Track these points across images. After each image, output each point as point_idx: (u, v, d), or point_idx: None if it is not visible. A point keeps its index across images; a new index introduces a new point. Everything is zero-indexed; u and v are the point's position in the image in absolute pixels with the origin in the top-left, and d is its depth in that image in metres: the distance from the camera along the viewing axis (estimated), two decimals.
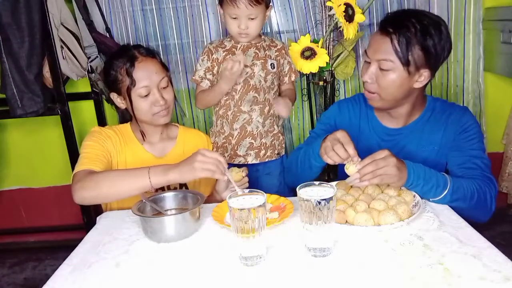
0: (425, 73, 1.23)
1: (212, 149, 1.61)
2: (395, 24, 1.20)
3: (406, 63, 1.19)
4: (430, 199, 1.15)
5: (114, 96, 1.39)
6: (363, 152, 1.12)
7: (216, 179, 1.29)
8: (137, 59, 1.32)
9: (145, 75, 1.32)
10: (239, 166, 1.72)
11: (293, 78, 1.79)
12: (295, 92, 1.83)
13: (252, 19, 1.58)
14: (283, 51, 1.75)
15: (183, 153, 1.45)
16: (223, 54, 1.69)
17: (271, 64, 1.69)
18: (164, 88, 1.36)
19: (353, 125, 1.43)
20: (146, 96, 1.33)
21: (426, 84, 1.27)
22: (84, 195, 1.17)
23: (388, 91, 1.24)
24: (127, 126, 1.45)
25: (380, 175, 1.06)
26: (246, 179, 1.31)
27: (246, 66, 1.65)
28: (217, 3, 1.65)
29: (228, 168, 1.31)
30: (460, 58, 2.31)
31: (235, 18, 1.58)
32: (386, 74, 1.22)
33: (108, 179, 1.17)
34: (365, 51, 1.29)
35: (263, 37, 1.73)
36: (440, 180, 1.13)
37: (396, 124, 1.36)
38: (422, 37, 1.18)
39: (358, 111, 1.44)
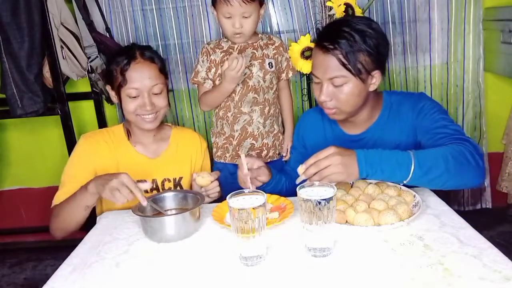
0: (376, 75, 1.23)
1: (207, 147, 1.58)
2: (332, 39, 1.19)
3: (358, 73, 1.19)
4: (405, 182, 1.08)
5: (109, 88, 1.40)
6: None
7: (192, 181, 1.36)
8: (134, 60, 1.32)
9: (138, 77, 1.31)
10: None
11: (290, 75, 1.78)
12: (290, 92, 1.83)
13: (246, 17, 1.56)
14: (281, 48, 1.73)
15: (177, 154, 1.45)
16: (220, 55, 1.68)
17: (269, 63, 1.68)
18: (156, 94, 1.34)
19: (318, 136, 1.44)
20: (134, 97, 1.32)
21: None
22: (57, 233, 1.27)
23: (347, 103, 1.24)
24: (120, 127, 1.45)
25: (326, 176, 1.03)
26: (216, 183, 1.32)
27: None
28: (210, 4, 1.64)
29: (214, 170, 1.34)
30: (460, 58, 2.31)
31: (229, 17, 1.56)
32: (341, 89, 1.22)
33: (59, 215, 1.24)
34: (311, 72, 1.27)
35: (260, 35, 1.71)
36: (401, 158, 1.05)
37: (359, 129, 1.35)
38: (363, 41, 1.18)
39: (321, 121, 1.44)
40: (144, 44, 2.26)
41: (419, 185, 1.13)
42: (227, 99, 1.68)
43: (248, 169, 1.25)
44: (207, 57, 1.69)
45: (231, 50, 1.67)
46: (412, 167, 1.05)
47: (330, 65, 1.20)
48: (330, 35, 1.21)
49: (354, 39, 1.18)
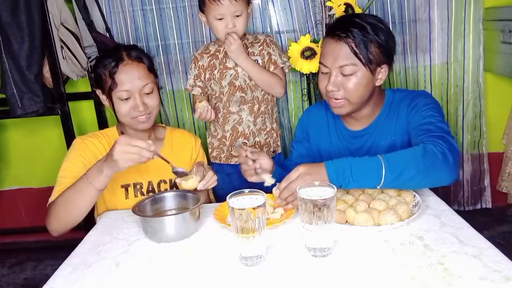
0: (383, 69, 1.26)
1: (201, 147, 1.56)
2: (346, 29, 1.21)
3: (368, 62, 1.21)
4: (378, 187, 1.08)
5: (99, 92, 1.38)
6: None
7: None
8: (122, 62, 1.30)
9: (127, 79, 1.30)
10: (236, 166, 1.72)
11: (271, 69, 1.67)
12: (281, 79, 1.69)
13: (238, 16, 1.56)
14: (265, 44, 1.69)
15: (172, 154, 1.44)
16: (207, 60, 1.69)
17: (254, 61, 1.65)
18: (147, 94, 1.33)
19: (322, 130, 1.45)
20: (126, 99, 1.31)
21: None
22: (53, 228, 1.20)
23: (356, 94, 1.24)
24: (113, 130, 1.43)
25: None
26: (210, 175, 1.28)
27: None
28: (197, 12, 1.62)
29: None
30: (460, 58, 2.31)
31: (220, 19, 1.55)
32: (350, 78, 1.23)
33: (61, 205, 1.17)
34: (320, 62, 1.28)
35: (247, 36, 1.70)
36: (370, 164, 1.06)
37: (361, 125, 1.37)
38: (374, 33, 1.21)
39: (325, 117, 1.45)
40: (144, 44, 2.28)
41: (393, 188, 1.14)
42: (216, 100, 1.69)
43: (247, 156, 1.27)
44: (195, 64, 1.71)
45: (217, 53, 1.68)
46: (383, 172, 1.05)
47: (342, 53, 1.21)
48: (343, 25, 1.23)
49: (366, 30, 1.20)
